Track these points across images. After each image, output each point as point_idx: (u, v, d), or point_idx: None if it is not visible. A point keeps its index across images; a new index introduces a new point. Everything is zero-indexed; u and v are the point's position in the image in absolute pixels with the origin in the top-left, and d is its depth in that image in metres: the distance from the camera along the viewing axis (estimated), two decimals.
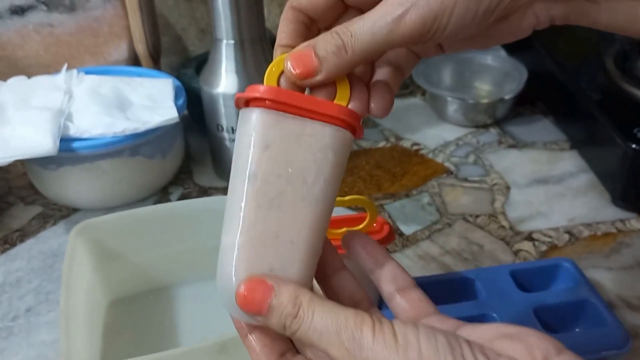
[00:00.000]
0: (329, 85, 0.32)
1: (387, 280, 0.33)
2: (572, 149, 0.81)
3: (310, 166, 0.30)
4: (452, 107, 0.84)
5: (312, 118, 0.31)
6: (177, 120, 0.66)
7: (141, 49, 0.80)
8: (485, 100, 0.84)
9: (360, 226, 0.49)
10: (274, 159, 0.30)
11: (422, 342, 0.26)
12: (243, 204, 0.30)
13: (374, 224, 0.51)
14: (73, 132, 0.63)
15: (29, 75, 0.72)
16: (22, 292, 0.60)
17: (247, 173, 0.30)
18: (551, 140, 0.83)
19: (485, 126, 0.86)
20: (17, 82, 0.70)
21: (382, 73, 0.35)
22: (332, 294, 0.33)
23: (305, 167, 0.30)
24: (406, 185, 0.75)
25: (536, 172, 0.77)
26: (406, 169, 0.78)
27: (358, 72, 0.34)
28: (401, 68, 0.35)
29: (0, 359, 0.53)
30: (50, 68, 0.77)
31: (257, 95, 0.31)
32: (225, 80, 0.67)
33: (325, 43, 0.30)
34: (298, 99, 0.31)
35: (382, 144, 0.83)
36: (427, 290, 0.55)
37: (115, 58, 0.82)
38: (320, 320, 0.27)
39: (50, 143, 0.60)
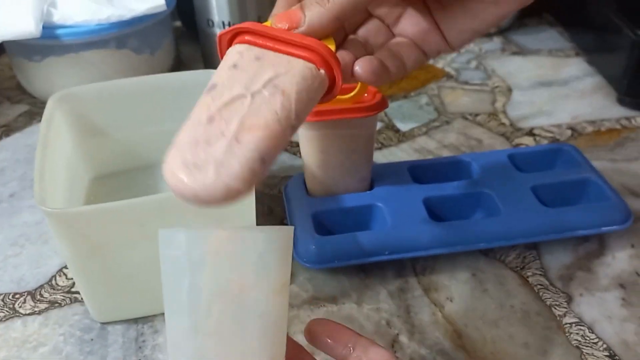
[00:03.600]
0: None
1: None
2: (578, 56, 0.78)
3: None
4: None
5: (288, 52, 0.29)
6: (164, 9, 0.64)
7: None
8: None
9: (350, 94, 0.47)
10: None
11: None
12: None
13: (365, 94, 0.49)
14: (57, 18, 0.61)
15: None
16: (5, 179, 0.59)
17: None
18: (557, 47, 0.80)
19: (488, 35, 0.83)
20: None
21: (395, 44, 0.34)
22: None
23: None
24: (404, 88, 0.73)
25: (541, 76, 0.75)
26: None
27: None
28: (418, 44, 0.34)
29: None
30: None
31: (239, 27, 0.30)
32: None
33: None
34: (277, 32, 0.29)
35: None
36: (421, 173, 0.54)
37: None
38: None
39: (33, 25, 0.58)
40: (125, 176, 0.53)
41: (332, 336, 0.33)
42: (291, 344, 0.33)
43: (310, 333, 0.33)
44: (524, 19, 0.85)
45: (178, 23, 0.85)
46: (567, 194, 0.52)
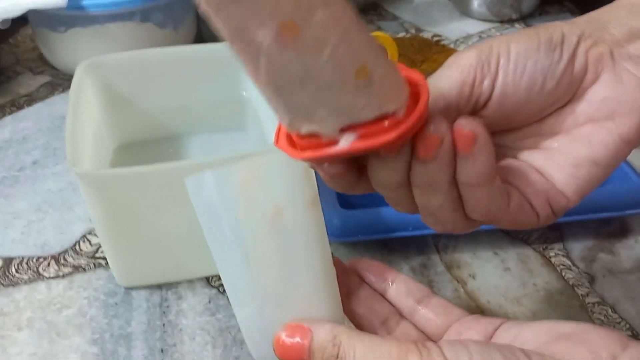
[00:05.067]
0: None
1: (403, 295, 0.31)
2: None
3: None
4: (477, 0, 0.81)
5: None
6: None
7: None
8: None
9: None
10: None
11: None
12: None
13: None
14: None
15: None
16: (29, 147, 0.59)
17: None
18: None
19: (510, 21, 0.82)
20: None
21: None
22: (357, 318, 0.32)
23: None
24: (426, 71, 0.72)
25: None
26: (426, 56, 0.75)
27: None
28: None
29: (6, 204, 0.52)
30: None
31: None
32: None
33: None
34: None
35: (401, 35, 0.80)
36: None
37: None
38: (363, 357, 0.25)
39: None
40: (148, 146, 0.54)
41: (372, 271, 0.33)
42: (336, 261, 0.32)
43: (351, 269, 0.33)
44: (544, 5, 0.85)
45: None
46: None
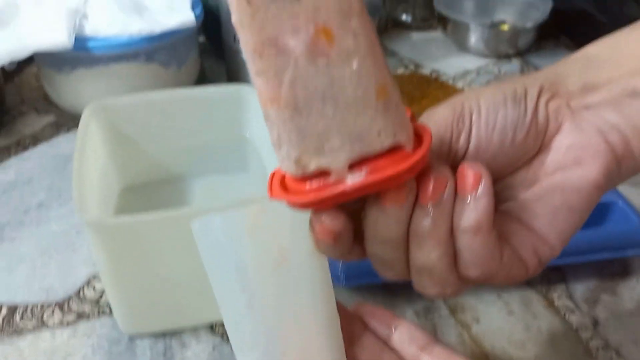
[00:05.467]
0: None
1: (406, 342, 0.31)
2: None
3: None
4: (474, 36, 0.82)
5: None
6: (194, 24, 0.65)
7: None
8: (507, 27, 0.82)
9: None
10: None
11: None
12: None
13: None
14: (88, 31, 0.62)
15: None
16: (34, 189, 0.59)
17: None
18: None
19: (508, 57, 0.84)
20: None
21: None
22: None
23: None
24: (426, 107, 0.73)
25: None
26: (425, 92, 0.76)
27: None
28: None
29: (11, 247, 0.53)
30: None
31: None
32: None
33: None
34: None
35: (400, 71, 0.81)
36: None
37: None
38: None
39: (66, 36, 0.59)
40: (152, 188, 0.54)
41: (375, 317, 0.32)
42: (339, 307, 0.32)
43: (355, 315, 0.33)
44: (541, 41, 0.86)
45: (201, 38, 0.86)
46: (592, 216, 0.52)
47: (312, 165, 0.25)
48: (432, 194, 0.25)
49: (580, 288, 0.49)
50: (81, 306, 0.47)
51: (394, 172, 0.24)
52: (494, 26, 0.82)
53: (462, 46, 0.85)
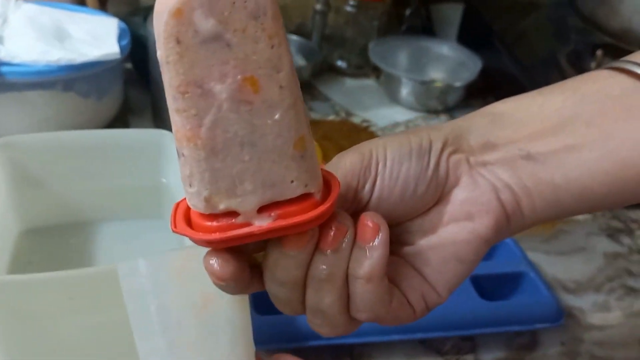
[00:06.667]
0: None
1: None
2: None
3: None
4: (405, 89, 0.83)
5: None
6: (118, 57, 0.62)
7: None
8: (437, 84, 0.83)
9: None
10: None
11: None
12: None
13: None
14: (2, 55, 0.58)
15: None
16: None
17: None
18: None
19: (436, 112, 0.85)
20: None
21: None
22: None
23: None
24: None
25: None
26: (354, 142, 0.74)
27: None
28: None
29: None
30: None
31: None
32: None
33: None
34: None
35: (331, 117, 0.81)
36: None
37: None
38: None
39: None
40: (58, 231, 0.51)
41: None
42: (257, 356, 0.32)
43: None
44: (469, 98, 0.88)
45: (129, 65, 0.83)
46: (504, 285, 0.53)
47: (222, 206, 0.25)
48: (332, 241, 0.27)
49: (489, 358, 0.49)
50: None
51: (301, 220, 0.25)
52: (425, 83, 0.83)
53: (393, 97, 0.86)
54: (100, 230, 0.51)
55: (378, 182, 0.29)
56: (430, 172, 0.29)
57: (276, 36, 0.23)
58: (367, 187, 0.29)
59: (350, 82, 0.91)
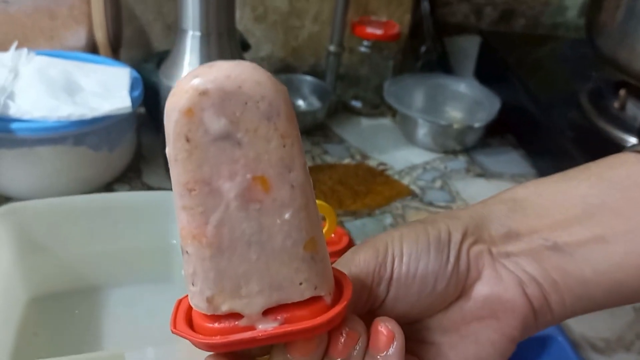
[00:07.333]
0: None
1: None
2: None
3: None
4: (422, 130, 0.81)
5: None
6: (130, 110, 0.61)
7: (100, 36, 0.75)
8: (455, 126, 0.82)
9: None
10: None
11: None
12: None
13: (332, 234, 0.47)
14: (13, 112, 0.57)
15: None
16: None
17: None
18: (519, 173, 0.81)
19: (454, 153, 0.83)
20: None
21: None
22: None
23: None
24: (369, 205, 0.71)
25: None
26: (370, 187, 0.74)
27: None
28: None
29: None
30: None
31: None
32: (186, 74, 0.62)
33: None
34: None
35: (347, 161, 0.79)
36: None
37: (72, 44, 0.76)
38: None
39: None
40: (65, 298, 0.49)
41: None
42: None
43: None
44: (487, 138, 0.86)
45: (142, 109, 0.83)
46: (530, 349, 0.50)
47: (225, 307, 0.23)
48: (343, 349, 0.25)
49: None
50: None
51: (309, 325, 0.23)
52: (443, 125, 0.81)
53: (410, 138, 0.84)
54: (108, 296, 0.50)
55: (394, 280, 0.27)
56: (450, 267, 0.28)
57: (289, 137, 0.23)
58: (383, 286, 0.27)
59: (365, 122, 0.89)
